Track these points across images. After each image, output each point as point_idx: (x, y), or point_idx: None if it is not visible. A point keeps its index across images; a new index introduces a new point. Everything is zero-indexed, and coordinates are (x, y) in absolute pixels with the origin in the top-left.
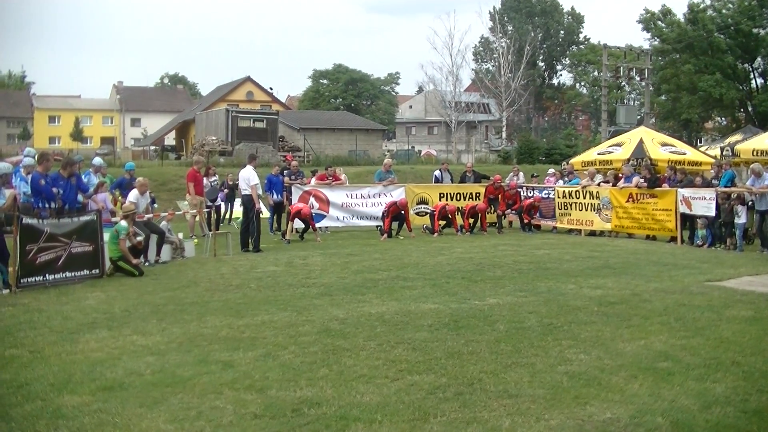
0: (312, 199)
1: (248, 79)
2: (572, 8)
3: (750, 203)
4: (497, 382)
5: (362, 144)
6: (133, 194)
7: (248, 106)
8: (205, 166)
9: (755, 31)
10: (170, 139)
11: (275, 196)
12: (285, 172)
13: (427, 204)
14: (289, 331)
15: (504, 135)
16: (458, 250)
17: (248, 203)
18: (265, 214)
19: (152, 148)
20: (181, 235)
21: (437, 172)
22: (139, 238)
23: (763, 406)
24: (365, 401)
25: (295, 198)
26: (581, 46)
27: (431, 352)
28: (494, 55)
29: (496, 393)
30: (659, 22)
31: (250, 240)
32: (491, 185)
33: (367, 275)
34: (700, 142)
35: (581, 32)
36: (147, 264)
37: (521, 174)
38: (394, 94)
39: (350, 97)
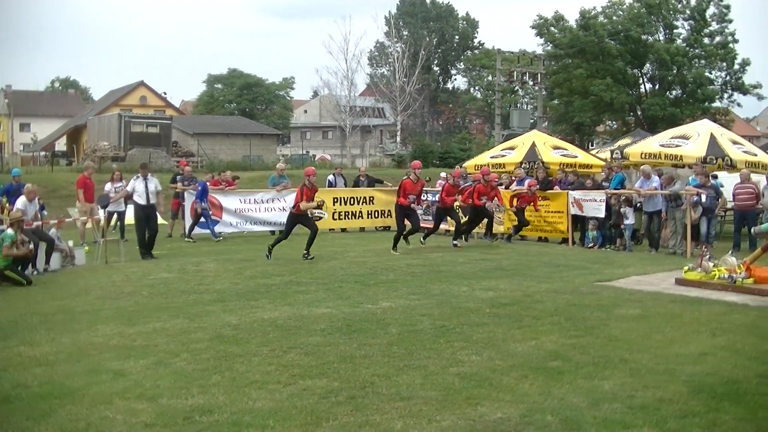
0: None
1: (142, 83)
2: (467, 13)
3: (638, 205)
4: (390, 384)
5: (257, 149)
6: (20, 201)
7: (142, 111)
8: (111, 171)
9: (644, 37)
10: (61, 145)
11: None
12: (178, 177)
13: (321, 208)
14: (181, 339)
15: (398, 139)
16: (352, 254)
17: (142, 211)
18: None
19: (42, 153)
20: (71, 243)
21: (331, 177)
22: (28, 247)
23: (648, 401)
24: (258, 407)
25: (188, 204)
26: (476, 51)
27: (324, 357)
28: (389, 60)
29: (389, 396)
30: (552, 28)
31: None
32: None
33: (261, 280)
34: (592, 145)
35: (476, 37)
36: (36, 273)
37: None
38: (289, 98)
39: (245, 102)
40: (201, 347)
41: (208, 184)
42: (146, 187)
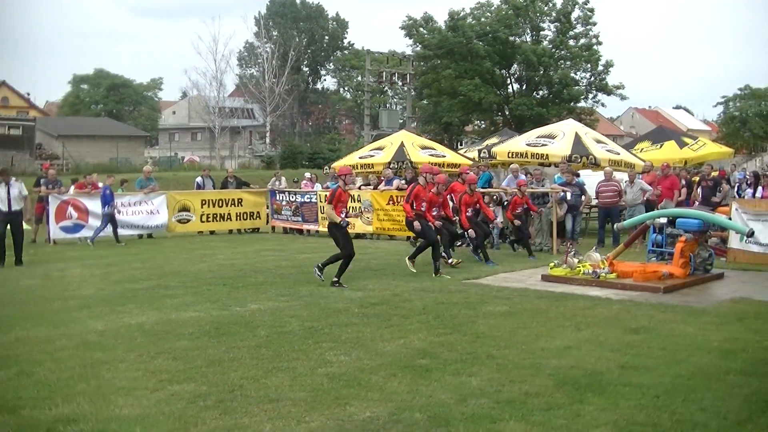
0: (70, 209)
1: (3, 83)
2: (337, 14)
3: (506, 203)
4: (258, 387)
5: (124, 151)
6: None
7: (3, 113)
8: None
9: (512, 39)
10: None
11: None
12: (42, 180)
13: (189, 211)
14: (44, 347)
15: (268, 140)
16: (220, 257)
17: (4, 218)
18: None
19: None
20: None
21: (199, 179)
22: None
23: (515, 395)
24: (124, 414)
25: (52, 208)
26: (345, 52)
27: (192, 361)
28: (259, 60)
29: (257, 398)
30: (421, 29)
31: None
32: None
33: (128, 285)
34: (461, 144)
35: (345, 38)
36: None
37: (283, 179)
38: (157, 99)
39: (112, 103)
40: (65, 355)
41: (110, 187)
42: (8, 192)
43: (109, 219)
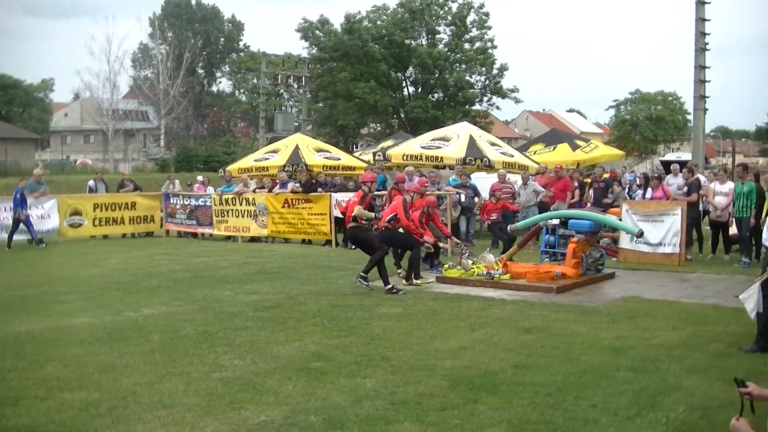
0: None
1: None
2: (233, 16)
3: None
4: (152, 393)
5: (13, 154)
6: None
7: None
8: None
9: (407, 42)
10: None
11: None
12: None
13: (81, 215)
14: None
15: (162, 143)
16: (113, 261)
17: None
18: None
19: None
20: None
21: (91, 182)
22: None
23: (410, 396)
24: (11, 426)
25: None
26: (241, 54)
27: (84, 368)
28: (153, 62)
29: (151, 404)
30: (317, 32)
31: None
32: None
33: (16, 292)
34: (356, 147)
35: (241, 40)
36: None
37: (177, 182)
38: (48, 101)
39: (0, 104)
40: None
41: (22, 190)
42: None
43: (18, 222)
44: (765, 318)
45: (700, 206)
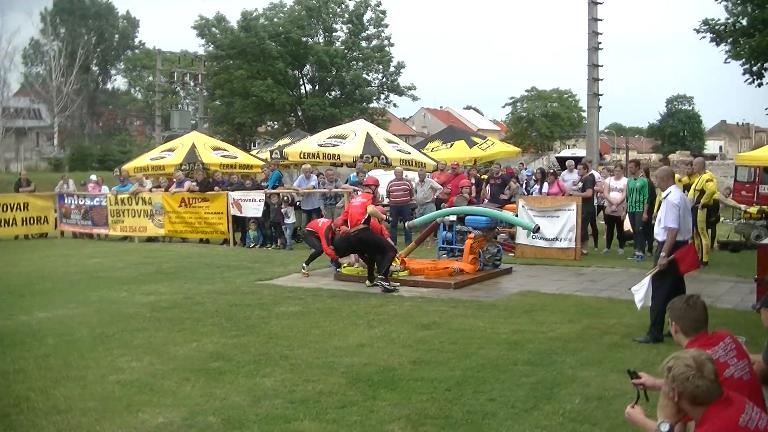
0: None
1: None
2: (128, 12)
3: (298, 203)
4: (46, 398)
5: None
6: None
7: None
8: None
9: (305, 39)
10: None
11: None
12: None
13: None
14: None
15: (56, 142)
16: (5, 263)
17: None
18: None
19: None
20: None
21: None
22: None
23: (309, 394)
24: None
25: None
26: (136, 51)
27: None
28: (45, 59)
29: (45, 410)
30: (214, 29)
31: None
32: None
33: None
34: (254, 145)
35: (137, 37)
36: None
37: (71, 182)
38: None
39: None
40: None
41: None
42: None
43: None
44: (657, 309)
45: (595, 201)
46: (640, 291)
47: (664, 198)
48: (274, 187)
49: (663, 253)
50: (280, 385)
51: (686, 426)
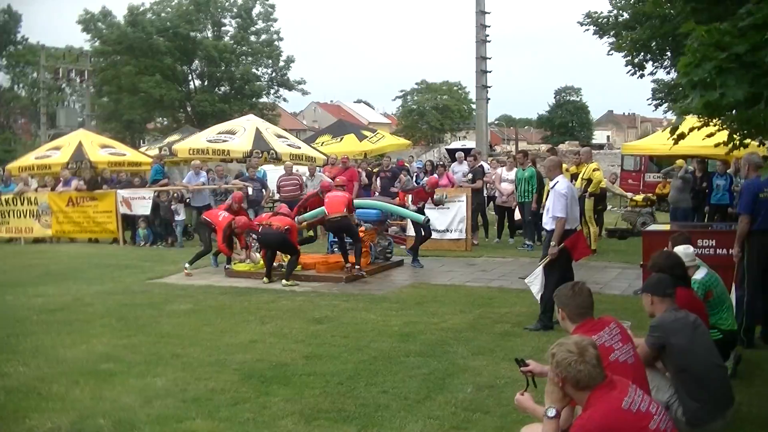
0: None
1: None
2: (8, 6)
3: (188, 200)
4: None
5: None
6: None
7: None
8: None
9: (193, 34)
10: None
11: None
12: None
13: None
14: None
15: None
16: None
17: None
18: None
19: None
20: None
21: None
22: None
23: (201, 393)
24: None
25: None
26: (19, 47)
27: None
28: None
29: None
30: (99, 24)
31: None
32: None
33: None
34: (144, 142)
35: (19, 32)
36: None
37: None
38: None
39: None
40: None
41: None
42: None
43: None
44: (547, 297)
45: (485, 192)
46: (536, 282)
47: (552, 188)
48: (155, 181)
49: (553, 242)
50: (171, 384)
51: (573, 410)
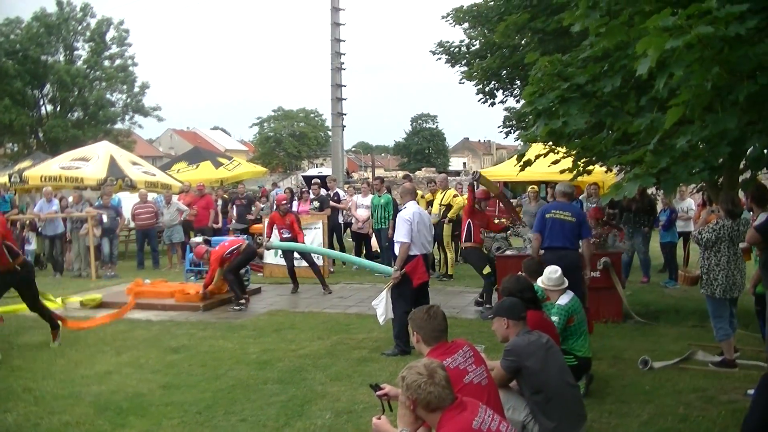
0: None
1: None
2: None
3: (40, 229)
4: None
5: None
6: None
7: None
8: None
9: (44, 58)
10: None
11: None
12: None
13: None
14: None
15: None
16: None
17: None
18: None
19: None
20: None
21: None
22: None
23: (54, 426)
24: None
25: None
26: None
27: None
28: None
29: None
30: None
31: None
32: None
33: None
34: None
35: None
36: None
37: None
38: None
39: None
40: None
41: None
42: None
43: None
44: (399, 321)
45: (341, 219)
46: (380, 305)
47: (398, 214)
48: (4, 213)
49: (396, 267)
50: (23, 419)
51: None
